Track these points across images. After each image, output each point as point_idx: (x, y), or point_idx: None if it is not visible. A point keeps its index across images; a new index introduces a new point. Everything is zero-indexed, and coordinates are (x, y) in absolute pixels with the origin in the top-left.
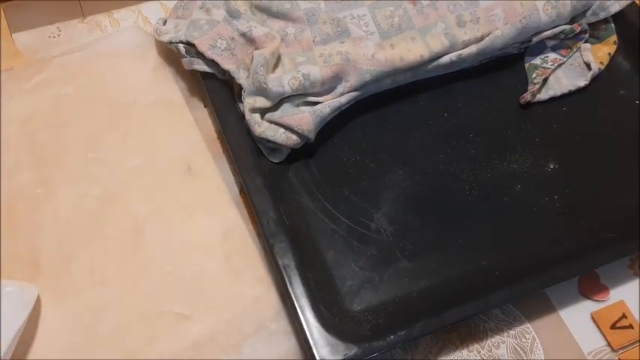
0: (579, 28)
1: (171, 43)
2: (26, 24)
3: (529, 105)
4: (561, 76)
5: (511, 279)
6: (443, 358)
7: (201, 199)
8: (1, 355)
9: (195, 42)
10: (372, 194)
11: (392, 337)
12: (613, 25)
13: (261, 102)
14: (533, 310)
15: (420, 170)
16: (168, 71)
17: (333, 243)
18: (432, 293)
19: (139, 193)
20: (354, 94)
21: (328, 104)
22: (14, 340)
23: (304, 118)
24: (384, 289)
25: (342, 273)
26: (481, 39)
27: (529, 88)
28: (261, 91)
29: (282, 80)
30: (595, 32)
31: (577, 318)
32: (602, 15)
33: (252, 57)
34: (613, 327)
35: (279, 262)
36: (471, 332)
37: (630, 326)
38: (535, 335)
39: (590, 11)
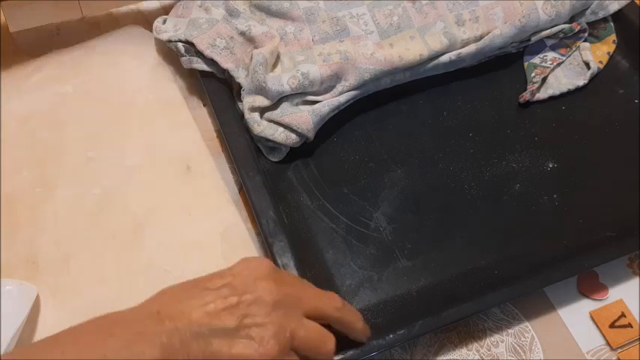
0: (578, 28)
1: (170, 41)
2: (25, 22)
3: (528, 104)
4: (560, 75)
5: (510, 278)
6: (442, 357)
7: (200, 198)
8: (1, 353)
9: (195, 41)
10: (371, 193)
11: (391, 335)
12: (612, 24)
13: (261, 101)
14: (532, 309)
15: (419, 169)
16: (168, 70)
17: (333, 242)
18: (431, 292)
19: (138, 192)
20: (353, 93)
21: (327, 103)
22: (14, 338)
23: (303, 117)
24: (383, 288)
25: (342, 272)
26: (480, 38)
27: (528, 87)
28: (261, 90)
29: (282, 79)
30: (594, 31)
31: (576, 317)
32: (601, 14)
33: (252, 56)
34: (612, 326)
35: (279, 262)
36: (469, 331)
37: (629, 325)
38: (534, 334)
39: (589, 10)
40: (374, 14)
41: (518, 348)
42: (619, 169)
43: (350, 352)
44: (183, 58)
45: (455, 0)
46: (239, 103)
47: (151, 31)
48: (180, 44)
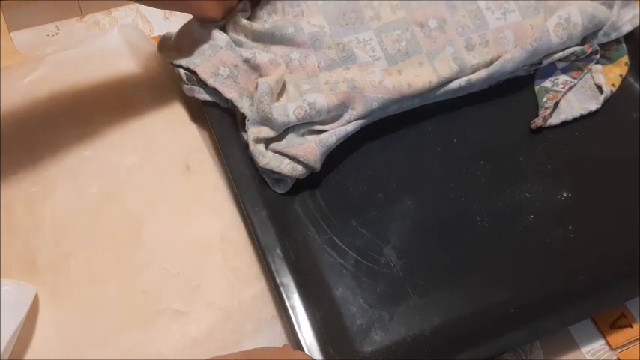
0: (590, 50)
1: (172, 64)
2: (25, 23)
3: (539, 129)
4: (572, 99)
5: (527, 317)
6: None
7: (199, 197)
8: (0, 353)
9: (197, 69)
10: (380, 225)
11: None
12: (624, 45)
13: (266, 132)
14: None
15: (429, 200)
16: (167, 70)
17: (342, 279)
18: (444, 332)
19: (137, 191)
20: (360, 121)
21: (334, 133)
22: (12, 338)
23: (310, 148)
24: (395, 328)
25: (351, 311)
26: (491, 63)
27: (540, 112)
28: (266, 120)
29: (287, 109)
30: (606, 53)
31: None
32: (613, 35)
33: (257, 85)
34: (612, 326)
35: (287, 303)
36: None
37: (629, 325)
38: None
39: (601, 32)
40: (381, 39)
41: (518, 348)
42: (637, 197)
43: None
44: (185, 86)
45: (464, 24)
46: (243, 134)
47: (151, 31)
48: (182, 71)
